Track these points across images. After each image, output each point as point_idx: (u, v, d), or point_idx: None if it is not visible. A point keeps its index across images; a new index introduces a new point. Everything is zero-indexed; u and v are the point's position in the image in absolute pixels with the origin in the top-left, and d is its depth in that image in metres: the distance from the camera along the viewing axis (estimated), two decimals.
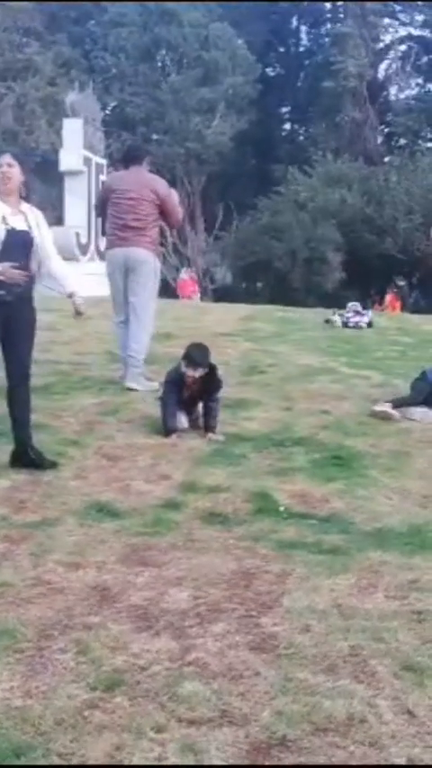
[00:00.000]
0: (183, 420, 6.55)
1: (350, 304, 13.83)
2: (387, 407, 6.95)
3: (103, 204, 8.26)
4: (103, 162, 22.44)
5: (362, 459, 5.89)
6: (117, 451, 5.93)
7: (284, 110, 48.08)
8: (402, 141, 41.49)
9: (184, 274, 27.86)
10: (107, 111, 36.07)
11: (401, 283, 26.21)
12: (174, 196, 8.22)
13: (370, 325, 12.70)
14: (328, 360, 9.15)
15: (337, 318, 12.87)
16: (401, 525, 4.83)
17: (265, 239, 31.73)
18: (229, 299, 24.43)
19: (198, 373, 6.46)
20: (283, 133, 47.75)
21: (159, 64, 38.96)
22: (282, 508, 5.06)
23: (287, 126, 48.58)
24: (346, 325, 12.62)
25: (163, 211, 8.04)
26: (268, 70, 45.24)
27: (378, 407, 6.97)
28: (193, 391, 6.57)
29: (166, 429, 6.34)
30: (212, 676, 3.29)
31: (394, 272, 28.15)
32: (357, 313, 13.15)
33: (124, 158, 8.51)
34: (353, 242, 30.64)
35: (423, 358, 9.78)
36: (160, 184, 8.13)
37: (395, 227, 30.11)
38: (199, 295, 27.11)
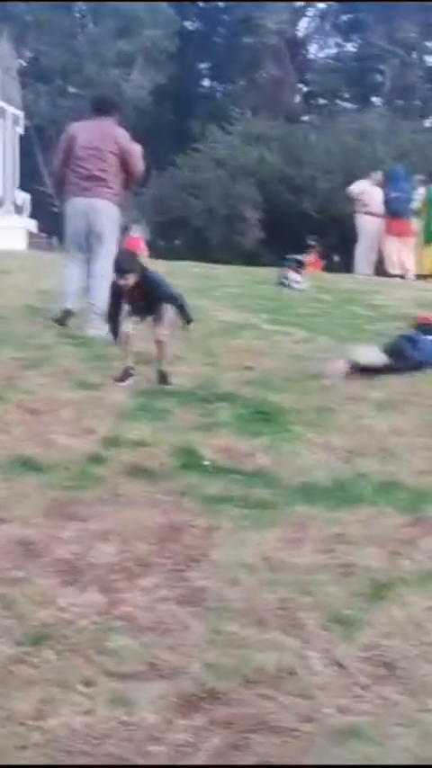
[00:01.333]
0: (128, 326, 6.57)
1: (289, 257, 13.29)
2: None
3: (66, 153, 8.23)
4: (20, 113, 22.00)
5: (286, 415, 5.88)
6: (39, 405, 5.82)
7: (203, 65, 47.62)
8: (322, 100, 41.53)
9: (136, 232, 26.82)
10: (23, 63, 35.35)
11: (312, 243, 26.31)
12: (136, 149, 8.26)
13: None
14: (250, 316, 9.12)
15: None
16: (326, 480, 4.84)
17: (184, 196, 31.49)
18: (148, 255, 24.18)
19: (130, 280, 6.44)
20: (203, 89, 47.33)
21: (77, 14, 38.24)
22: (207, 463, 5.03)
23: (206, 82, 48.16)
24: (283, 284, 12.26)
25: (124, 163, 8.11)
26: (187, 24, 44.70)
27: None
28: (135, 300, 6.56)
29: (113, 336, 6.69)
30: (141, 630, 3.27)
31: (312, 232, 28.22)
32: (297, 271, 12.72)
33: (92, 106, 8.58)
34: (271, 200, 30.56)
35: (345, 314, 9.85)
36: (123, 137, 8.18)
37: (314, 186, 30.10)
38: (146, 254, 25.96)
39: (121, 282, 6.46)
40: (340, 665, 3.10)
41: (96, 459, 4.98)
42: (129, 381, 6.45)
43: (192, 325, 6.73)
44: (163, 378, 6.52)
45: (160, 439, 5.32)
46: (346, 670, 3.08)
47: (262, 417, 5.82)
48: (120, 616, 3.36)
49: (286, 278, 12.15)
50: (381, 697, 2.94)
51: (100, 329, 7.51)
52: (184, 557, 3.88)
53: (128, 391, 6.27)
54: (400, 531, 4.22)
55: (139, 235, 26.54)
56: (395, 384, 6.67)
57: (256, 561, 3.83)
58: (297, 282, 12.05)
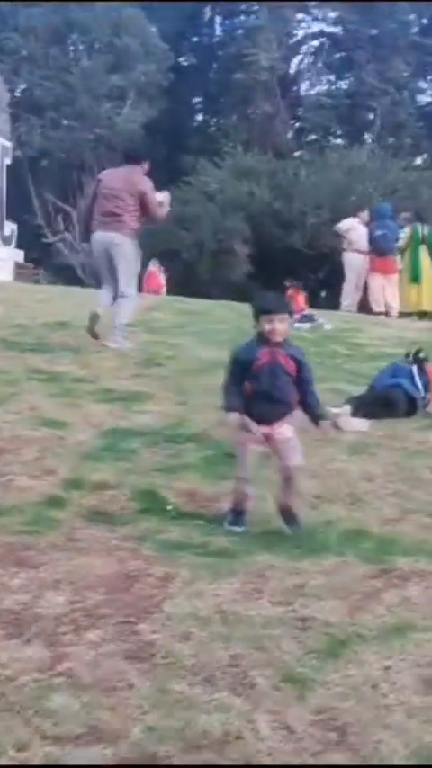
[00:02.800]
0: (252, 427, 4.78)
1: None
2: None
3: (93, 195, 9.62)
4: (9, 144, 21.98)
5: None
6: (1, 444, 5.68)
7: (196, 100, 47.85)
8: (312, 137, 41.71)
9: (153, 266, 26.66)
10: (16, 94, 35.43)
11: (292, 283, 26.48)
12: (154, 195, 9.42)
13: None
14: (228, 354, 8.96)
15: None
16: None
17: (174, 229, 31.52)
18: (138, 288, 24.07)
19: (283, 325, 4.73)
20: (195, 124, 47.52)
21: (71, 47, 38.39)
22: (170, 507, 4.89)
23: (199, 117, 48.38)
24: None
25: (143, 205, 9.23)
26: (181, 59, 44.96)
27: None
28: (274, 371, 4.72)
29: (226, 408, 4.83)
30: (83, 688, 3.12)
31: (301, 267, 28.23)
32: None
33: (123, 156, 10.31)
34: (261, 235, 30.61)
35: (325, 353, 9.73)
36: (144, 182, 9.37)
37: (303, 221, 30.15)
38: (164, 290, 25.64)
39: (269, 328, 4.68)
40: (290, 730, 2.95)
41: (54, 502, 4.84)
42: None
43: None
44: (290, 516, 4.76)
45: (123, 481, 5.19)
46: (296, 735, 2.93)
47: (230, 460, 5.64)
48: (62, 672, 3.21)
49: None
50: (330, 766, 2.79)
51: (119, 344, 8.81)
52: (135, 608, 3.73)
53: (94, 430, 6.13)
54: (363, 582, 4.07)
55: (155, 268, 26.37)
56: (369, 427, 6.55)
57: (210, 614, 3.68)
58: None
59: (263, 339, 4.73)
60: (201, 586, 3.93)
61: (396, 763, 2.80)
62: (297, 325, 11.74)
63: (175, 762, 2.76)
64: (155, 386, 7.17)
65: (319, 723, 2.99)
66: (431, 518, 4.92)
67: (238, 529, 4.66)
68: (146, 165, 9.59)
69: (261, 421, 4.74)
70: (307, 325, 11.84)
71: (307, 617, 3.69)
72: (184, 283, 27.08)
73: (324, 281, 28.42)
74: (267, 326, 4.69)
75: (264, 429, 4.75)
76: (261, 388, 4.70)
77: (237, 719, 2.97)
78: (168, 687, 3.14)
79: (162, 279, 26.41)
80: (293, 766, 2.58)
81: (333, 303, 17.86)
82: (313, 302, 19.62)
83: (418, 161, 39.55)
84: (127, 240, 9.19)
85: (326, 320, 12.34)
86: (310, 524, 4.76)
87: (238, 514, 4.71)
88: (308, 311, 13.47)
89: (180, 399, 7.02)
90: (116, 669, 3.25)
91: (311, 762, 2.80)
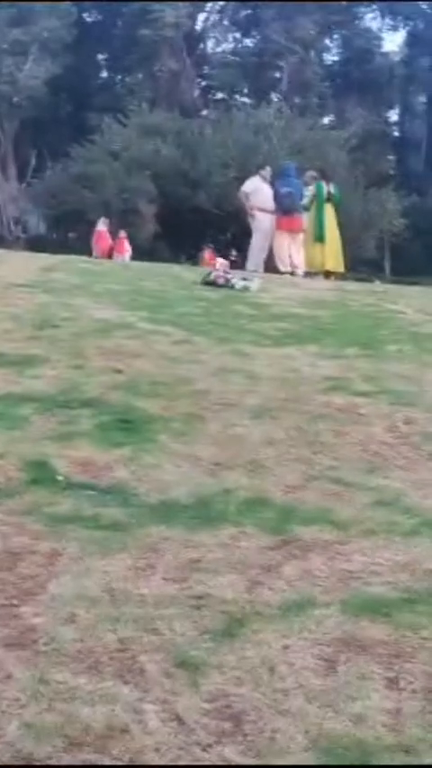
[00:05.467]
0: None
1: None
2: None
3: None
4: None
5: (152, 423, 5.47)
6: None
7: (101, 57, 47.00)
8: (219, 95, 41.34)
9: (102, 225, 25.72)
10: None
11: (209, 244, 26.29)
12: None
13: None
14: (128, 314, 8.68)
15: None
16: (188, 497, 4.44)
17: (78, 188, 31.00)
18: (41, 248, 23.50)
19: None
20: (99, 81, 46.73)
21: None
22: (60, 477, 4.60)
23: (104, 74, 47.57)
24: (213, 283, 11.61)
25: None
26: (84, 15, 44.04)
27: None
28: None
29: None
30: None
31: (208, 227, 27.95)
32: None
33: None
34: (167, 194, 30.26)
35: (227, 313, 9.49)
36: None
37: (209, 180, 29.87)
38: (129, 254, 24.56)
39: None
40: (180, 721, 2.72)
41: None
42: None
43: None
44: None
45: (11, 450, 4.87)
46: (187, 726, 2.70)
47: (126, 426, 5.40)
48: None
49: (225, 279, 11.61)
50: (223, 759, 2.57)
51: None
52: (18, 589, 3.46)
53: None
54: (262, 554, 3.85)
55: (105, 228, 25.57)
56: (271, 389, 6.33)
57: (98, 593, 3.43)
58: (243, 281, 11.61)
59: None
60: (89, 563, 3.67)
61: (293, 752, 2.60)
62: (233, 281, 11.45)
63: (52, 763, 2.51)
64: (50, 349, 6.85)
65: (212, 712, 2.77)
66: (335, 485, 4.71)
67: None
68: None
69: None
70: (241, 284, 11.48)
71: (202, 594, 3.46)
72: (90, 244, 26.61)
73: (232, 242, 28.19)
74: None
75: None
76: None
77: (123, 711, 2.74)
78: (49, 677, 2.88)
79: (125, 243, 25.35)
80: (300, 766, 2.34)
81: (244, 264, 17.61)
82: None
83: (325, 121, 39.52)
84: None
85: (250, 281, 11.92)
86: (207, 493, 4.51)
87: None
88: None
89: (76, 363, 6.70)
90: None
91: (201, 755, 2.58)
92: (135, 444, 5.09)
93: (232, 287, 11.31)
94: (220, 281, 11.55)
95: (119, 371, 6.53)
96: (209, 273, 12.27)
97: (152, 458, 4.92)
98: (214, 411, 5.79)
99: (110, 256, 23.38)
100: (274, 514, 4.31)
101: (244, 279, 11.96)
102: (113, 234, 25.77)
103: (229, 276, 11.86)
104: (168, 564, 3.71)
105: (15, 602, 3.37)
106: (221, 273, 12.17)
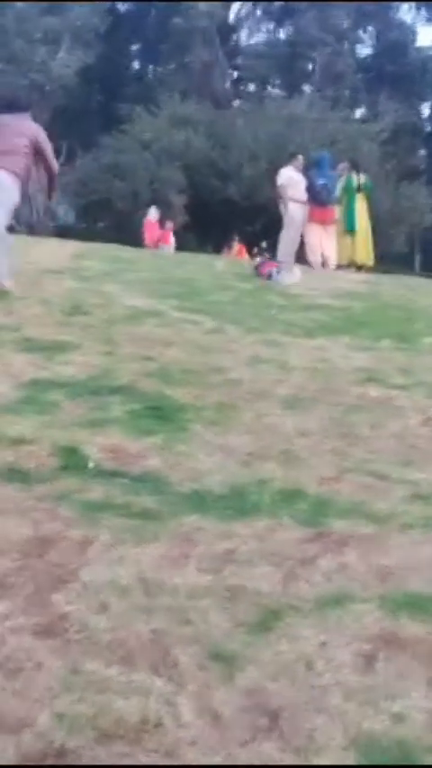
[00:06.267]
0: None
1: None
2: None
3: None
4: None
5: (184, 412, 5.39)
6: None
7: (134, 47, 46.89)
8: (251, 86, 41.16)
9: (153, 215, 25.42)
10: None
11: (236, 237, 26.15)
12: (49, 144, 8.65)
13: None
14: (158, 302, 8.61)
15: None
16: (222, 486, 4.36)
17: (108, 178, 30.92)
18: (70, 237, 23.45)
19: None
20: (131, 71, 46.63)
21: None
22: (91, 464, 4.53)
23: (135, 64, 47.47)
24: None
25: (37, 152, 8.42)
26: (117, 4, 43.95)
27: None
28: None
29: None
30: None
31: (237, 218, 27.83)
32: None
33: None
34: (197, 185, 30.15)
35: (258, 303, 9.41)
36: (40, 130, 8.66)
37: (240, 172, 29.75)
38: (172, 247, 24.37)
39: None
40: (215, 715, 2.64)
41: None
42: None
43: None
44: None
45: (42, 436, 4.80)
46: (222, 721, 2.62)
47: (157, 414, 5.32)
48: None
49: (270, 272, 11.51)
50: (260, 756, 2.49)
51: None
52: (50, 576, 3.38)
53: (13, 381, 5.73)
54: (298, 547, 3.76)
55: (155, 219, 25.32)
56: (304, 379, 6.24)
57: (131, 582, 3.35)
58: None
59: None
60: (122, 551, 3.60)
61: (332, 750, 2.52)
62: (275, 276, 11.31)
63: (85, 754, 2.44)
64: (80, 335, 6.78)
65: (248, 707, 2.69)
66: (370, 477, 4.62)
67: None
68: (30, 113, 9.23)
69: None
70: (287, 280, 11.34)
71: (237, 586, 3.38)
72: (119, 233, 26.54)
73: (260, 233, 28.04)
74: None
75: None
76: None
77: (157, 704, 2.66)
78: (81, 667, 2.81)
79: (170, 234, 25.00)
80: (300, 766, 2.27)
81: (273, 254, 17.48)
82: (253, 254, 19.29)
83: (357, 114, 39.28)
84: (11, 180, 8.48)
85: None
86: (240, 483, 4.43)
87: None
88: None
89: (106, 349, 6.64)
90: (25, 646, 2.91)
91: (239, 752, 2.50)
92: (167, 433, 5.02)
93: (269, 277, 11.20)
94: (265, 271, 11.45)
95: (150, 359, 6.46)
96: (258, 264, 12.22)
97: (184, 446, 4.84)
98: (247, 400, 5.71)
99: (156, 246, 23.26)
100: (309, 506, 4.23)
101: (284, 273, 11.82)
102: (161, 224, 25.61)
103: (273, 271, 11.70)
104: (202, 554, 3.63)
105: (46, 589, 3.29)
106: (267, 264, 12.05)
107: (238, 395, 5.79)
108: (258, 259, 13.16)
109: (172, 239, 24.77)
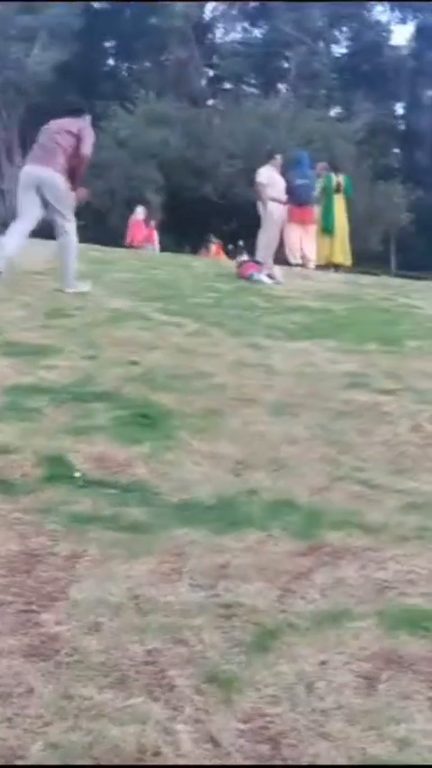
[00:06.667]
0: None
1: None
2: None
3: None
4: None
5: (170, 418, 5.28)
6: None
7: (109, 44, 46.69)
8: (227, 85, 41.08)
9: (140, 214, 25.19)
10: None
11: (213, 238, 26.01)
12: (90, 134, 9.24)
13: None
14: (141, 304, 8.50)
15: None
16: (211, 497, 4.25)
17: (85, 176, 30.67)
18: (46, 236, 23.24)
19: None
20: (107, 68, 46.42)
21: None
22: (78, 474, 4.41)
23: (111, 61, 47.26)
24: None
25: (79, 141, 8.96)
26: (93, 2, 43.75)
27: None
28: None
29: None
30: None
31: (213, 217, 27.73)
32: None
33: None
34: (173, 184, 30.07)
35: (241, 305, 9.32)
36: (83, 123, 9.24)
37: (216, 171, 29.67)
38: (157, 246, 24.19)
39: None
40: (215, 742, 2.54)
41: None
42: None
43: None
44: None
45: (26, 444, 4.68)
46: (221, 747, 2.52)
47: (143, 421, 5.21)
48: None
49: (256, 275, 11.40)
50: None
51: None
52: (38, 594, 3.27)
53: None
54: (291, 561, 3.67)
55: (142, 217, 25.05)
56: (291, 384, 6.15)
57: (122, 600, 3.24)
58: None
59: None
60: (111, 567, 3.49)
61: None
62: (256, 277, 11.23)
63: None
64: (63, 338, 6.66)
65: (248, 733, 2.59)
66: (362, 486, 4.53)
67: None
68: (88, 117, 9.64)
69: None
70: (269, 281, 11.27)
71: (231, 603, 3.28)
72: (96, 232, 26.37)
73: (236, 232, 27.96)
74: None
75: None
76: None
77: (154, 731, 2.55)
78: (74, 692, 2.70)
79: (154, 233, 24.85)
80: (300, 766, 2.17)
81: (249, 253, 17.39)
82: (229, 253, 19.20)
83: (332, 113, 39.27)
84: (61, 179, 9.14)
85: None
86: (230, 493, 4.33)
87: None
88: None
89: (89, 353, 6.52)
90: (14, 670, 2.80)
91: None
92: (154, 440, 4.91)
93: (250, 278, 11.11)
94: (247, 273, 11.36)
95: (134, 363, 6.35)
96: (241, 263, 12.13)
97: (172, 455, 4.73)
98: (233, 406, 5.61)
99: (141, 245, 23.13)
100: (301, 518, 4.13)
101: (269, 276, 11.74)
102: (146, 223, 25.45)
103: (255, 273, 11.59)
104: (194, 569, 3.53)
105: (35, 607, 3.18)
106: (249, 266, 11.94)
107: (224, 401, 5.69)
108: (240, 259, 13.05)
109: (156, 238, 24.68)
